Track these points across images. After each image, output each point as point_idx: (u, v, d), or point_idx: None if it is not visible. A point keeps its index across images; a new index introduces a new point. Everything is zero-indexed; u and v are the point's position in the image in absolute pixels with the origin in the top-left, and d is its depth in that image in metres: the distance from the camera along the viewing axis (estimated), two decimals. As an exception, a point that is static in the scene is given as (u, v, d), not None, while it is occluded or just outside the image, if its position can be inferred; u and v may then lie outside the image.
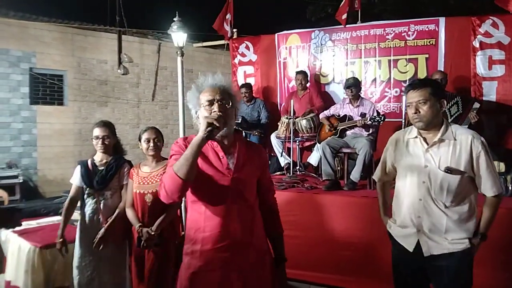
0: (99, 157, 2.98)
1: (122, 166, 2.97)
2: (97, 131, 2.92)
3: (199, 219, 1.78)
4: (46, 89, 7.69)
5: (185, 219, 4.45)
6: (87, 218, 2.89)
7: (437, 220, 2.12)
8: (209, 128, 1.61)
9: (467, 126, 4.27)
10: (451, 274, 2.12)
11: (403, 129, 2.40)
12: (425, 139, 2.19)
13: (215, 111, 1.72)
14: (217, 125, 1.62)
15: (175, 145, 1.82)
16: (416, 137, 2.21)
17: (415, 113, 2.11)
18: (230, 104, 1.78)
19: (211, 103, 1.75)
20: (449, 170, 2.08)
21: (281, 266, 1.98)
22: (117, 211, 2.90)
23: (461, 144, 2.10)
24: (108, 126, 2.99)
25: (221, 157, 1.79)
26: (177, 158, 1.70)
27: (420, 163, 2.16)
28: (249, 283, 1.78)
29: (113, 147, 3.03)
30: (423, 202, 2.14)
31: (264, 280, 1.86)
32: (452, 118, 4.28)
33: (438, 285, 2.20)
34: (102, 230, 2.82)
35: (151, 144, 2.86)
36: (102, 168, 2.92)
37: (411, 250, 2.18)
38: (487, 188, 2.11)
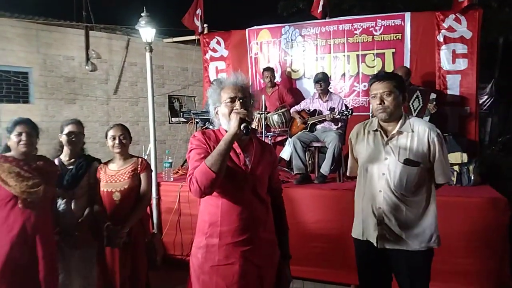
0: (66, 156, 2.89)
1: (91, 165, 2.91)
2: (72, 127, 2.86)
3: (215, 212, 1.82)
4: (10, 87, 7.44)
5: (157, 216, 4.44)
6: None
7: (396, 210, 2.18)
8: (244, 124, 1.67)
9: (428, 117, 4.41)
10: (410, 270, 2.19)
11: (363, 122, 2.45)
12: (385, 132, 2.24)
13: (236, 109, 1.77)
14: (249, 120, 1.71)
15: (194, 139, 1.85)
16: (376, 130, 2.26)
17: (380, 104, 2.16)
18: (252, 102, 1.85)
19: (232, 100, 1.80)
20: (407, 162, 2.14)
21: (286, 263, 2.05)
22: (87, 210, 2.84)
23: (418, 136, 2.16)
24: (81, 124, 2.97)
25: (238, 153, 1.84)
26: (199, 152, 1.78)
27: (380, 155, 2.22)
28: (263, 276, 1.85)
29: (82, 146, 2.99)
30: (383, 194, 2.19)
31: (273, 274, 1.94)
32: (416, 112, 4.40)
33: (398, 277, 2.27)
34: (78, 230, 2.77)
35: (117, 141, 2.83)
36: (71, 167, 2.84)
37: (375, 244, 2.22)
38: (440, 176, 2.21)
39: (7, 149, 2.58)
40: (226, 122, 1.81)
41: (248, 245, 1.80)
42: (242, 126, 1.67)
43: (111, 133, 2.85)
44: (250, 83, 1.93)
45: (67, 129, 2.85)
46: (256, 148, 1.90)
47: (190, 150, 1.84)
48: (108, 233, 2.74)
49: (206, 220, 1.85)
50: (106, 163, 2.93)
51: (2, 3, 7.71)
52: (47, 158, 2.74)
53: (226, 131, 1.80)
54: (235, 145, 1.83)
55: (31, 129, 2.55)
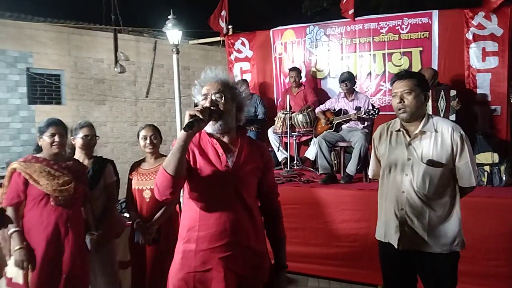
0: (80, 159, 2.92)
1: (106, 166, 2.99)
2: (86, 130, 2.92)
3: (194, 217, 1.72)
4: (44, 89, 7.72)
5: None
6: None
7: (419, 212, 2.13)
8: (190, 120, 1.53)
9: (454, 115, 4.32)
10: (434, 273, 2.15)
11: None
12: (407, 132, 2.20)
13: (205, 105, 1.67)
14: (200, 116, 1.54)
15: (175, 140, 1.74)
16: (399, 130, 2.23)
17: (400, 102, 2.13)
18: (228, 98, 1.71)
19: (206, 96, 1.71)
20: (431, 163, 2.10)
21: (280, 273, 1.87)
22: (105, 211, 2.92)
23: (442, 135, 2.12)
24: (93, 126, 3.01)
25: (220, 154, 1.72)
26: None
27: (403, 156, 2.18)
28: (244, 285, 1.73)
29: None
30: (406, 195, 2.15)
31: (259, 285, 1.79)
32: (443, 112, 4.32)
33: (423, 280, 2.23)
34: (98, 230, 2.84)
35: (148, 141, 2.91)
36: (87, 169, 2.89)
37: (396, 246, 2.18)
38: (462, 179, 2.14)
39: (39, 148, 2.66)
40: None
41: (227, 251, 1.68)
42: (186, 123, 1.53)
43: (142, 133, 2.93)
44: (232, 76, 1.81)
45: (82, 132, 2.90)
46: (240, 149, 1.76)
47: None
48: (138, 229, 2.83)
49: (185, 225, 1.76)
50: (139, 163, 3.02)
51: (36, 9, 8.02)
52: (75, 158, 2.83)
53: (206, 132, 1.75)
54: (217, 145, 1.73)
55: (63, 130, 2.62)
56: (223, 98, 1.70)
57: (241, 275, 1.72)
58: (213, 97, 1.70)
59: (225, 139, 1.77)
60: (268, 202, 1.91)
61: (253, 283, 1.76)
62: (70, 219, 2.60)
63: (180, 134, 1.56)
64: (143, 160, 3.02)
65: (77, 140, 2.92)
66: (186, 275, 1.70)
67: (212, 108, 1.65)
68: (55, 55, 7.78)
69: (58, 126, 2.60)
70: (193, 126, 1.53)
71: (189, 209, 1.76)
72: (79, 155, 2.95)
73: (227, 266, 1.68)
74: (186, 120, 1.55)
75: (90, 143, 2.94)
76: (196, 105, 1.70)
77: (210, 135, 1.76)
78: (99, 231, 2.82)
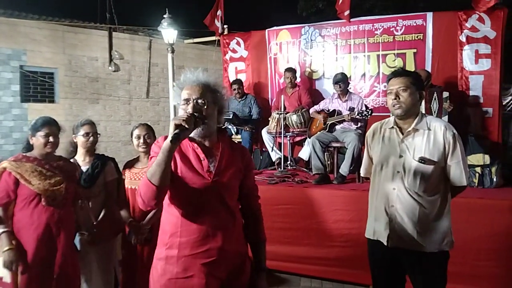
0: (81, 157, 2.92)
1: (106, 164, 2.97)
2: (87, 128, 2.90)
3: (176, 223, 1.69)
4: (37, 87, 7.70)
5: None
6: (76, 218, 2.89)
7: (409, 209, 2.14)
8: (176, 131, 1.50)
9: (446, 117, 4.35)
10: (423, 272, 2.16)
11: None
12: (401, 129, 2.22)
13: (188, 111, 1.63)
14: (186, 126, 1.52)
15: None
16: (392, 127, 2.25)
17: (395, 99, 2.15)
18: (210, 102, 1.67)
19: (187, 101, 1.65)
20: (422, 160, 2.11)
21: (260, 276, 1.86)
22: (104, 209, 2.91)
23: (435, 133, 2.14)
24: (94, 124, 2.99)
25: (201, 159, 1.69)
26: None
27: (395, 153, 2.20)
28: None
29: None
30: (397, 191, 2.17)
31: (241, 287, 1.79)
32: (435, 113, 4.36)
33: (412, 279, 2.24)
34: (92, 228, 2.82)
35: (141, 140, 2.90)
36: (87, 167, 2.89)
37: (385, 243, 2.19)
38: (453, 179, 2.16)
39: (29, 147, 2.62)
40: None
41: (210, 257, 1.66)
42: (173, 133, 1.49)
43: (136, 132, 2.92)
44: (214, 79, 1.74)
45: (83, 130, 2.88)
46: (222, 153, 1.73)
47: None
48: (130, 229, 2.83)
49: (167, 230, 1.72)
50: (132, 162, 3.01)
51: (30, 6, 7.98)
52: (65, 157, 2.80)
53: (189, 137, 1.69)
54: (199, 150, 1.70)
55: (57, 130, 2.60)
56: (205, 103, 1.66)
57: (223, 280, 1.71)
58: (198, 102, 1.65)
59: (206, 143, 1.74)
60: (249, 204, 1.89)
61: (235, 285, 1.76)
62: (61, 219, 2.58)
63: (165, 145, 1.53)
64: (137, 159, 3.01)
65: (79, 138, 2.90)
66: (168, 281, 1.68)
67: (196, 114, 1.60)
68: (49, 53, 7.74)
69: (52, 126, 2.58)
70: (180, 137, 1.51)
71: (169, 215, 1.73)
72: (80, 153, 2.94)
73: (209, 272, 1.67)
74: (171, 130, 1.51)
75: (91, 141, 2.92)
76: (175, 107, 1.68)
77: (191, 139, 1.72)
78: (94, 230, 2.81)
